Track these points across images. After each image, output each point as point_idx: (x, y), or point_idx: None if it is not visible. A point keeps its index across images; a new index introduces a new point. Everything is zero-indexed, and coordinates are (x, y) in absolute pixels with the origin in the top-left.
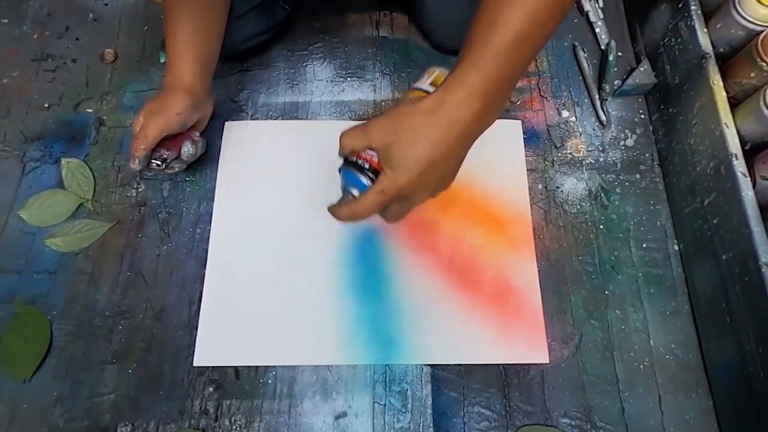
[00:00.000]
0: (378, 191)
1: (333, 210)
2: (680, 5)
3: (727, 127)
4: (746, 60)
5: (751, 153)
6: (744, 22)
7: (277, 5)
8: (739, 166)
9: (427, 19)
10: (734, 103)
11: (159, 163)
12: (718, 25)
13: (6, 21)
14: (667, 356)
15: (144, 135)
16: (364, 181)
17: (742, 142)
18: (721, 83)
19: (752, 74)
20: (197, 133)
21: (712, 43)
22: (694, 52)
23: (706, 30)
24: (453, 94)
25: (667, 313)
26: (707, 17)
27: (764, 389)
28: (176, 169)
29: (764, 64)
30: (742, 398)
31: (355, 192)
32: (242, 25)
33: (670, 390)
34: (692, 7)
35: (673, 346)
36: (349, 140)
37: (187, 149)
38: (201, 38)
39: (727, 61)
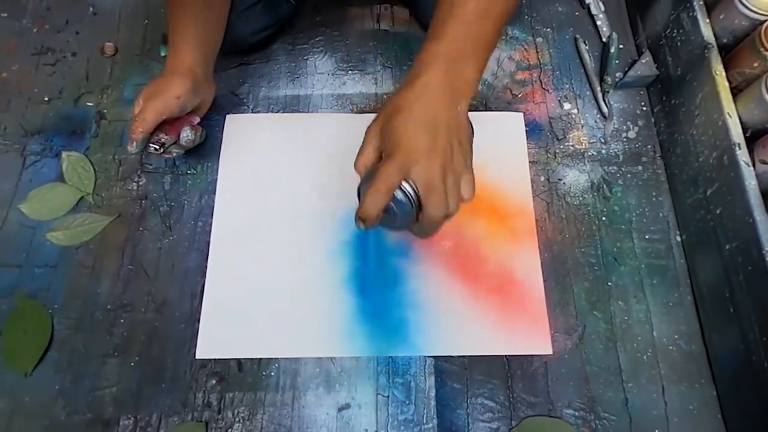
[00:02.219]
0: (383, 178)
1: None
2: None
3: (730, 116)
4: (749, 50)
5: (751, 139)
6: (747, 12)
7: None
8: (743, 155)
9: (428, 13)
10: (737, 93)
11: (157, 147)
12: (721, 16)
13: (6, 15)
14: (670, 347)
15: (142, 118)
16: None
17: (743, 129)
18: (724, 73)
19: (755, 64)
20: (197, 119)
21: (714, 33)
22: (697, 43)
23: (708, 20)
24: (425, 65)
25: (670, 303)
26: (709, 8)
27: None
28: (174, 155)
29: (767, 53)
30: (746, 388)
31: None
32: (249, 19)
33: (674, 380)
34: None
35: (676, 336)
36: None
37: (186, 134)
38: (203, 23)
39: (729, 51)
